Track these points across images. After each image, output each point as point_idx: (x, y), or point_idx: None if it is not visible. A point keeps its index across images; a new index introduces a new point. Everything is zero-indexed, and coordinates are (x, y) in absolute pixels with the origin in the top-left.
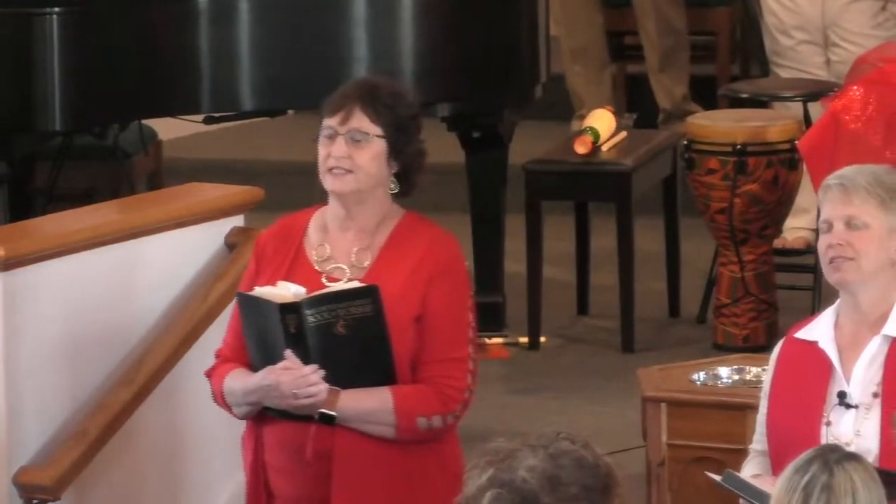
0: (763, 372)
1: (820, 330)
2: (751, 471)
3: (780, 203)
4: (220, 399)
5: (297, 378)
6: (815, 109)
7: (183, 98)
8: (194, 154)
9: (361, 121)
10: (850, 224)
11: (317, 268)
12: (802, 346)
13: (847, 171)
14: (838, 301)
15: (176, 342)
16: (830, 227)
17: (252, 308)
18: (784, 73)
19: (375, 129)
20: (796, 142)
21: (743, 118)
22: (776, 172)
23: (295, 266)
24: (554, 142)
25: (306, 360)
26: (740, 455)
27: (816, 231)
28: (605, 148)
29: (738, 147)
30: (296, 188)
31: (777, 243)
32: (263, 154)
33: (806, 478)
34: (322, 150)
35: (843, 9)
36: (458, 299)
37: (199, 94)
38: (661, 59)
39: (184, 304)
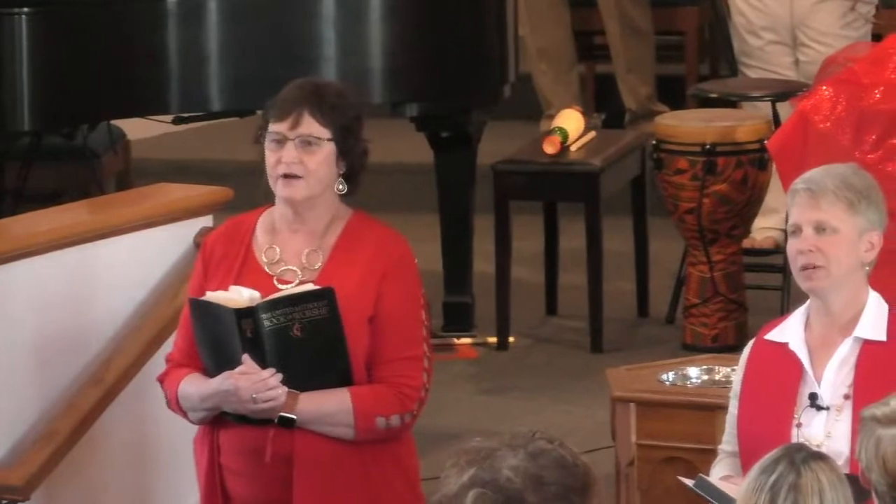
0: (732, 372)
1: (790, 331)
2: (720, 472)
3: (749, 203)
4: (174, 404)
5: (255, 382)
6: (784, 109)
7: (152, 98)
8: (163, 154)
9: (311, 126)
10: (819, 229)
11: (267, 270)
12: (773, 348)
13: (815, 174)
14: (808, 302)
15: (145, 342)
16: (800, 230)
17: (205, 313)
18: (752, 74)
19: (325, 133)
20: (765, 142)
21: (712, 118)
22: (745, 172)
23: (245, 269)
24: (522, 142)
25: (263, 364)
26: (710, 455)
27: (785, 231)
28: (573, 148)
29: (708, 147)
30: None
31: (746, 243)
32: (232, 154)
33: (773, 478)
34: (271, 157)
35: (812, 9)
36: (411, 298)
37: (167, 94)
38: (627, 60)
39: (153, 304)
